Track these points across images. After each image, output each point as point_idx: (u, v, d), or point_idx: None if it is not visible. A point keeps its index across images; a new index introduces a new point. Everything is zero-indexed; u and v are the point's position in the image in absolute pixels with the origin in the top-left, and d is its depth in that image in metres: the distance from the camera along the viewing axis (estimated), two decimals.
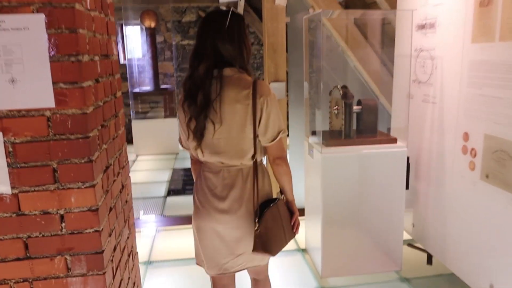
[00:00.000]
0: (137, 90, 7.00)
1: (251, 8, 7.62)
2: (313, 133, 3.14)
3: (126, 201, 1.99)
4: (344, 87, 2.93)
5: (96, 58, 1.57)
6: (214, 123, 1.71)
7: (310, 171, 3.09)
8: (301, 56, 3.96)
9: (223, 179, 1.80)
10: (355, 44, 3.92)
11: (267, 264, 2.02)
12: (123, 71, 6.97)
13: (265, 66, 3.79)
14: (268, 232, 1.77)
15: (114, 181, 1.75)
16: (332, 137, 2.98)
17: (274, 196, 1.88)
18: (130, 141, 6.59)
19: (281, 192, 1.88)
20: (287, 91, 3.89)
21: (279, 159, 1.80)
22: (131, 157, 6.78)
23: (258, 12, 7.80)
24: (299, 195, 2.92)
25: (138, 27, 7.14)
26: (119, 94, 1.96)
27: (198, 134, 1.74)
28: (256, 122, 1.71)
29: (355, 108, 2.96)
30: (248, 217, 1.79)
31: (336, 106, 3.00)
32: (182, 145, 1.93)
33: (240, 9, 7.43)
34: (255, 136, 1.73)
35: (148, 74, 7.06)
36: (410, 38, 2.94)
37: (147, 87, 7.14)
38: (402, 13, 3.13)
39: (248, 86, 1.71)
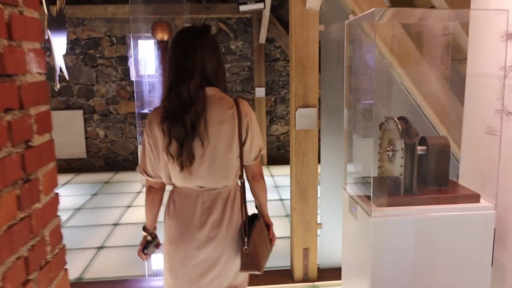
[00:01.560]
0: (145, 110, 6.28)
1: (278, 19, 6.85)
2: (357, 182, 2.27)
3: None
4: (403, 119, 2.06)
5: None
6: (202, 144, 1.65)
7: (353, 232, 2.22)
8: (337, 75, 3.10)
9: (202, 204, 1.74)
10: (407, 58, 3.05)
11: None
12: (134, 90, 6.28)
13: (292, 87, 2.95)
14: (257, 250, 1.78)
15: None
16: (385, 191, 2.10)
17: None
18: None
19: (256, 207, 1.91)
20: (318, 118, 3.03)
21: (259, 175, 1.85)
22: (136, 187, 6.03)
23: (285, 25, 7.02)
24: (331, 246, 2.03)
25: (152, 41, 6.45)
26: (40, 140, 1.17)
27: (186, 158, 1.65)
28: (241, 141, 1.70)
29: (419, 149, 2.08)
30: (229, 239, 1.77)
31: (390, 146, 2.13)
32: (146, 173, 1.78)
33: (265, 21, 6.68)
34: (241, 156, 1.72)
35: (158, 92, 6.33)
36: (495, 50, 2.06)
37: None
38: (480, 15, 2.25)
39: (232, 105, 1.69)
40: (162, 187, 1.85)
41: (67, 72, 4.12)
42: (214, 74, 1.70)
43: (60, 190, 4.51)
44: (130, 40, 6.21)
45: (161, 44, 6.14)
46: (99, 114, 7.18)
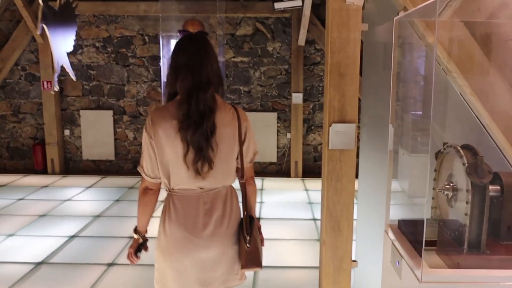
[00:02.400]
0: None
1: (319, 20, 6.34)
2: (401, 225, 1.75)
3: None
4: (469, 150, 1.53)
5: None
6: (214, 150, 1.74)
7: None
8: (381, 83, 2.58)
9: (203, 204, 1.81)
10: (471, 65, 2.48)
11: None
12: (162, 92, 5.96)
13: (326, 97, 2.46)
14: (257, 247, 1.88)
15: None
16: (443, 245, 1.57)
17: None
18: None
19: (246, 209, 1.93)
20: (357, 135, 2.51)
21: (251, 178, 1.95)
22: (160, 196, 5.68)
23: None
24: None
25: None
26: None
27: (206, 165, 1.73)
28: (241, 144, 1.82)
29: (491, 189, 1.53)
30: (230, 237, 1.85)
31: (451, 184, 1.60)
32: (145, 174, 1.81)
33: (305, 21, 6.18)
34: (241, 157, 1.84)
35: None
36: None
37: None
38: None
39: (232, 110, 1.82)
40: (158, 189, 1.88)
41: (72, 73, 3.78)
42: (219, 80, 1.80)
43: (82, 194, 4.14)
44: (161, 39, 5.89)
45: None
46: (129, 116, 6.93)
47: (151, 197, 1.87)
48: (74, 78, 3.30)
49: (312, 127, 6.90)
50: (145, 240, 1.95)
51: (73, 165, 7.08)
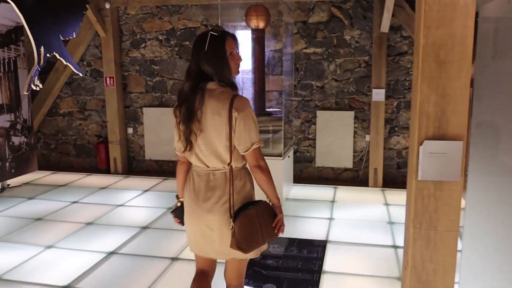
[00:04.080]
0: None
1: (407, 2, 5.32)
2: None
3: None
4: None
5: None
6: (196, 132, 2.02)
7: None
8: (504, 77, 1.68)
9: (207, 182, 2.08)
10: None
11: (242, 268, 2.24)
12: None
13: (415, 98, 1.62)
14: (242, 232, 1.99)
15: None
16: None
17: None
18: None
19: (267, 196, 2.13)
20: (465, 160, 1.61)
21: (255, 167, 2.05)
22: None
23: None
24: None
25: (249, 31, 5.44)
26: None
27: (186, 139, 2.05)
28: (231, 132, 1.99)
29: None
30: (224, 216, 2.05)
31: None
32: (176, 150, 2.18)
33: (390, 3, 5.19)
34: (231, 145, 2.01)
35: (248, 92, 5.30)
36: None
37: None
38: None
39: (227, 100, 1.98)
40: (186, 161, 2.19)
41: (76, 66, 3.17)
42: (213, 73, 2.02)
43: (138, 199, 3.22)
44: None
45: (256, 33, 5.09)
46: None
47: (180, 167, 2.24)
48: (80, 73, 2.74)
49: (396, 129, 5.88)
50: (183, 203, 2.26)
51: (136, 165, 6.79)
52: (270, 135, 4.93)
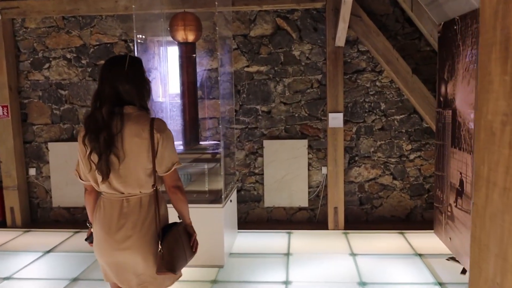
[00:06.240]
0: None
1: (365, 10, 4.52)
2: None
3: None
4: None
5: None
6: (118, 158, 1.96)
7: None
8: None
9: (120, 209, 2.03)
10: None
11: None
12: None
13: (480, 108, 0.58)
14: (171, 253, 2.01)
15: None
16: None
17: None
18: None
19: (179, 217, 2.17)
20: None
21: (174, 187, 2.09)
22: None
23: (377, 18, 4.69)
24: None
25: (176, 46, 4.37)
26: None
27: (104, 169, 1.96)
28: (154, 154, 2.00)
29: None
30: (147, 242, 2.02)
31: None
32: (79, 178, 2.12)
33: (346, 12, 4.37)
34: (154, 167, 2.02)
35: (177, 121, 4.22)
36: None
37: (177, 146, 4.24)
38: None
39: (146, 122, 2.00)
40: (94, 190, 2.13)
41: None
42: (132, 95, 2.01)
43: (33, 266, 3.33)
44: (136, 46, 4.20)
45: (185, 48, 4.04)
46: None
47: (89, 196, 2.17)
48: None
49: (357, 158, 5.01)
50: None
51: (42, 215, 5.42)
52: (206, 178, 3.85)
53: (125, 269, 2.06)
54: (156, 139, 1.98)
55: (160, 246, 1.99)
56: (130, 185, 2.00)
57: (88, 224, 2.24)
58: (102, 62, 4.97)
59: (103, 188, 2.03)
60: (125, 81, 1.97)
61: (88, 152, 1.96)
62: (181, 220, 2.16)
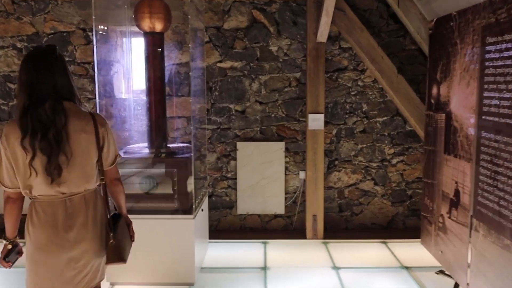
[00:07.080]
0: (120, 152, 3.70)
1: (348, 4, 4.22)
2: None
3: None
4: None
5: None
6: (67, 156, 1.87)
7: None
8: None
9: (65, 209, 1.93)
10: None
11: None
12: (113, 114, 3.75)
13: None
14: (121, 243, 2.05)
15: None
16: None
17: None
18: None
19: (116, 208, 2.19)
20: None
21: (116, 180, 2.14)
22: None
23: (360, 12, 4.39)
24: None
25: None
26: None
27: (56, 171, 1.85)
28: (100, 149, 1.99)
29: None
30: (97, 240, 2.00)
31: None
32: (3, 185, 1.93)
33: (329, 5, 4.02)
34: (99, 161, 2.01)
35: (141, 121, 3.77)
36: None
37: (142, 148, 3.77)
38: None
39: (88, 117, 1.97)
40: (21, 197, 1.98)
41: None
42: (69, 89, 1.95)
43: None
44: (95, 35, 3.72)
45: (151, 39, 3.60)
46: None
47: (13, 206, 1.98)
48: None
49: (336, 162, 4.71)
50: (15, 244, 2.02)
51: None
52: (176, 187, 3.42)
53: (77, 269, 1.98)
54: (102, 134, 1.98)
55: (112, 239, 2.00)
56: (75, 184, 1.93)
57: (4, 241, 2.00)
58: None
59: (40, 191, 1.90)
60: (63, 74, 1.92)
61: (31, 156, 1.82)
62: (118, 211, 2.19)
